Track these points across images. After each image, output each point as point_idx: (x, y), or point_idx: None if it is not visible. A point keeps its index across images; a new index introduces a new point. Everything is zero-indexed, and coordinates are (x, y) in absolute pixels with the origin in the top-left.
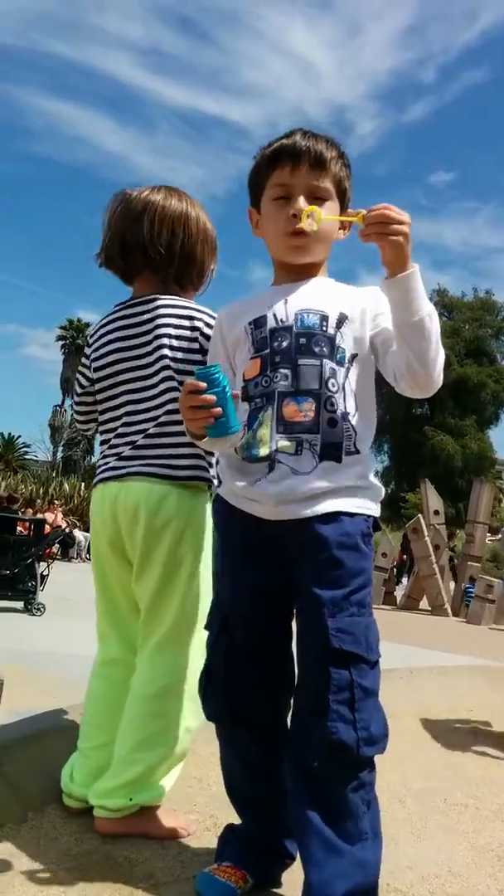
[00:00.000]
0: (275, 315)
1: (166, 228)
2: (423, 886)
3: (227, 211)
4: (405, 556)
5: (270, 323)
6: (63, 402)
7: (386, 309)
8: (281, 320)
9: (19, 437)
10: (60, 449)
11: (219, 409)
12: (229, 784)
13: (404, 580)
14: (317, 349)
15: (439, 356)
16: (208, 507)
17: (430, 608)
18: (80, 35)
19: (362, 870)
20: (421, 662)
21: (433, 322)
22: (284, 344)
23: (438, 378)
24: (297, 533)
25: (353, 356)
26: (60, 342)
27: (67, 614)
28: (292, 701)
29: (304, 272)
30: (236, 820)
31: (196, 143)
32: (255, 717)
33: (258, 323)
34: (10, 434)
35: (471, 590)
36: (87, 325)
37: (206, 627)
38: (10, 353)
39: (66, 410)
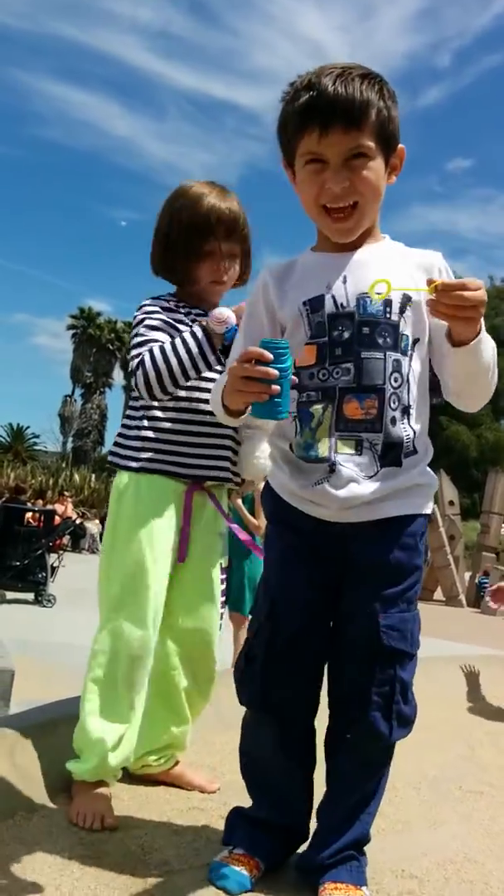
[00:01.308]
0: (334, 298)
1: None
2: (438, 873)
3: (239, 196)
4: None
5: (329, 307)
6: (73, 391)
7: None
8: (341, 305)
9: (28, 427)
10: (70, 439)
11: (277, 388)
12: (249, 769)
13: None
14: (380, 340)
15: (492, 390)
16: (120, 486)
17: (444, 599)
18: (89, 18)
19: (361, 826)
20: (436, 652)
21: (493, 371)
22: (346, 335)
23: (487, 399)
24: (356, 533)
25: (416, 341)
26: (71, 331)
27: (78, 605)
28: (329, 683)
29: (358, 238)
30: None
31: (206, 127)
32: (287, 704)
33: (314, 305)
34: (19, 424)
35: (485, 582)
36: (99, 314)
37: (252, 612)
38: (19, 343)
39: (75, 400)
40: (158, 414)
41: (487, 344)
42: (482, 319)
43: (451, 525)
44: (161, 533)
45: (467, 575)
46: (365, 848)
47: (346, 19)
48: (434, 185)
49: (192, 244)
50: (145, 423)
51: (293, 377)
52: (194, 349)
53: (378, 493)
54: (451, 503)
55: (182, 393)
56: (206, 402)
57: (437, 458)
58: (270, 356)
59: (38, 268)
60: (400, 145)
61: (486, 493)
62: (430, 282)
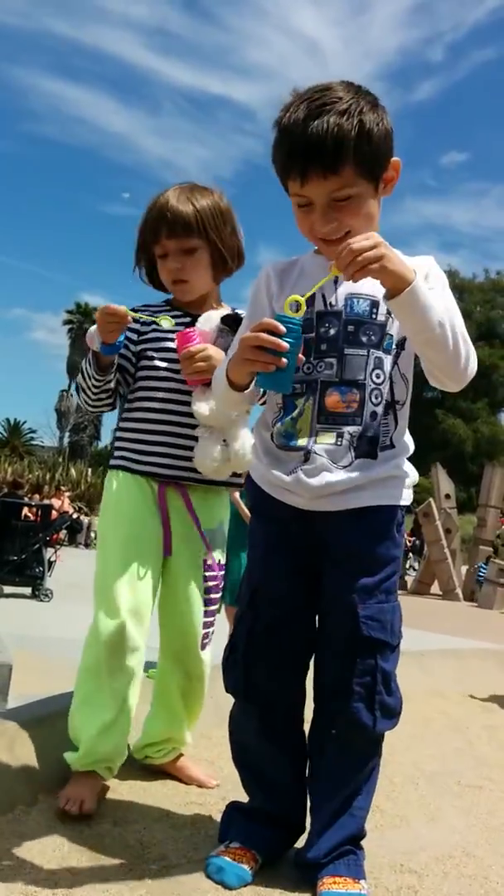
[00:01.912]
0: (324, 296)
1: None
2: (437, 867)
3: (234, 192)
4: (414, 539)
5: (318, 305)
6: (69, 386)
7: (434, 285)
8: (330, 304)
9: (25, 422)
10: (67, 434)
11: (285, 361)
12: (240, 758)
13: (415, 564)
14: (364, 338)
15: (461, 357)
16: (119, 481)
17: (441, 592)
18: (84, 15)
19: (355, 821)
20: (433, 646)
21: (447, 330)
22: (332, 332)
23: (466, 374)
24: (331, 522)
25: (402, 340)
26: (67, 326)
27: (75, 600)
28: (314, 675)
29: None
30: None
31: (201, 123)
32: (269, 692)
33: (306, 302)
34: (16, 419)
35: (484, 569)
36: (95, 309)
37: (237, 602)
38: (17, 338)
39: (72, 395)
40: (130, 415)
41: (429, 306)
42: (415, 277)
43: (448, 518)
44: (136, 527)
45: (464, 569)
46: (363, 842)
47: (340, 14)
48: (428, 179)
49: (145, 250)
50: (122, 423)
51: (300, 356)
52: (85, 373)
53: (352, 483)
54: (448, 496)
55: (149, 394)
56: (174, 402)
57: (433, 451)
58: (283, 329)
59: (35, 263)
60: (393, 158)
61: (483, 487)
62: (330, 266)
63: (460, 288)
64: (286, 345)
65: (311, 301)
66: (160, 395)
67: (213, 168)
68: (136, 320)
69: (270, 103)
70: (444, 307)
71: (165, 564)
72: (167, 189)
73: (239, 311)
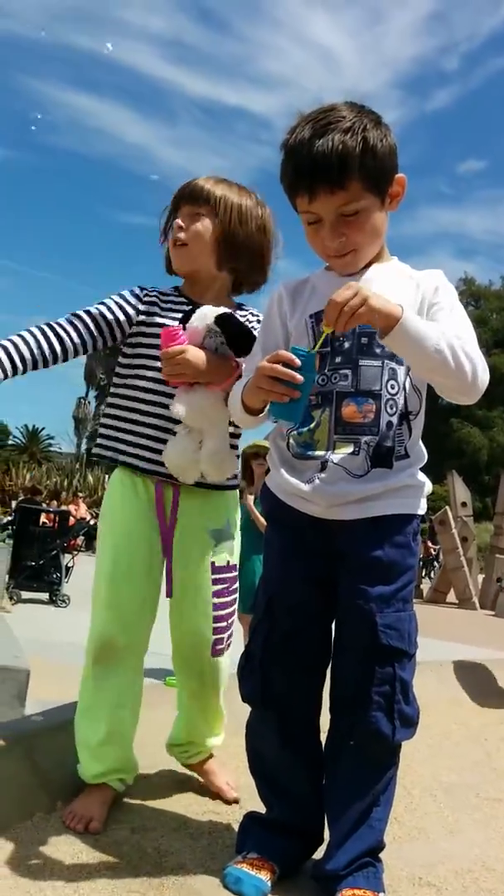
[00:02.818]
0: None
1: None
2: (456, 881)
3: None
4: (434, 549)
5: None
6: (87, 393)
7: (442, 299)
8: None
9: (43, 429)
10: (84, 441)
11: (298, 393)
12: (257, 767)
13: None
14: (378, 350)
15: (466, 375)
16: (115, 479)
17: (457, 601)
18: (102, 27)
19: (373, 833)
20: (450, 656)
21: (446, 355)
22: (346, 345)
23: (475, 389)
24: (348, 531)
25: None
26: None
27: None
28: (330, 684)
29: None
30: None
31: (217, 133)
32: (286, 700)
33: (319, 318)
34: (34, 426)
35: None
36: None
37: (252, 610)
38: None
39: (89, 402)
40: (118, 398)
41: (422, 336)
42: (402, 313)
43: (464, 527)
44: (127, 528)
45: (480, 577)
46: (381, 855)
47: (356, 24)
48: (443, 187)
49: (169, 219)
50: (109, 406)
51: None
52: None
53: (367, 492)
54: (464, 505)
55: (139, 384)
56: (165, 395)
57: (448, 460)
58: (299, 362)
59: (54, 272)
60: (398, 175)
61: (500, 495)
62: (322, 327)
63: (476, 295)
64: (301, 378)
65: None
66: (150, 385)
67: (229, 177)
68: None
69: (286, 112)
70: (439, 332)
71: (173, 566)
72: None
73: (239, 313)
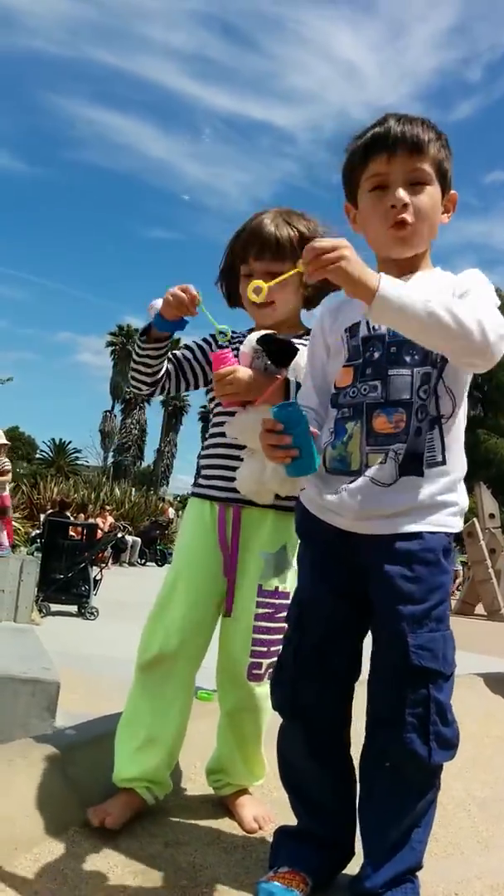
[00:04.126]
0: (367, 322)
1: None
2: None
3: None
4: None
5: (363, 331)
6: (113, 407)
7: (470, 286)
8: (374, 328)
9: (70, 442)
10: (111, 454)
11: (295, 451)
12: (287, 777)
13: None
14: (408, 358)
15: (472, 332)
16: (188, 505)
17: (485, 613)
18: (126, 44)
19: (414, 854)
20: (479, 668)
21: (439, 316)
22: (376, 355)
23: (489, 347)
24: (378, 546)
25: (444, 357)
26: (110, 348)
27: (120, 618)
28: (367, 701)
29: (408, 266)
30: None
31: (242, 148)
32: (313, 712)
33: (353, 331)
34: (61, 440)
35: None
36: (137, 330)
37: (286, 621)
38: (64, 360)
39: (115, 416)
40: (206, 441)
41: (407, 302)
42: (378, 284)
43: (492, 538)
44: (192, 552)
45: None
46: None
47: (379, 38)
48: (469, 198)
49: (232, 266)
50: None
51: (314, 430)
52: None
53: (398, 506)
54: (492, 516)
55: (215, 419)
56: (220, 425)
57: (475, 471)
58: (281, 425)
59: (81, 288)
60: (453, 191)
61: None
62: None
63: (501, 306)
64: (289, 439)
65: (356, 328)
66: (221, 419)
67: (253, 191)
68: (201, 312)
69: (309, 127)
70: (426, 298)
71: (233, 586)
72: (264, 211)
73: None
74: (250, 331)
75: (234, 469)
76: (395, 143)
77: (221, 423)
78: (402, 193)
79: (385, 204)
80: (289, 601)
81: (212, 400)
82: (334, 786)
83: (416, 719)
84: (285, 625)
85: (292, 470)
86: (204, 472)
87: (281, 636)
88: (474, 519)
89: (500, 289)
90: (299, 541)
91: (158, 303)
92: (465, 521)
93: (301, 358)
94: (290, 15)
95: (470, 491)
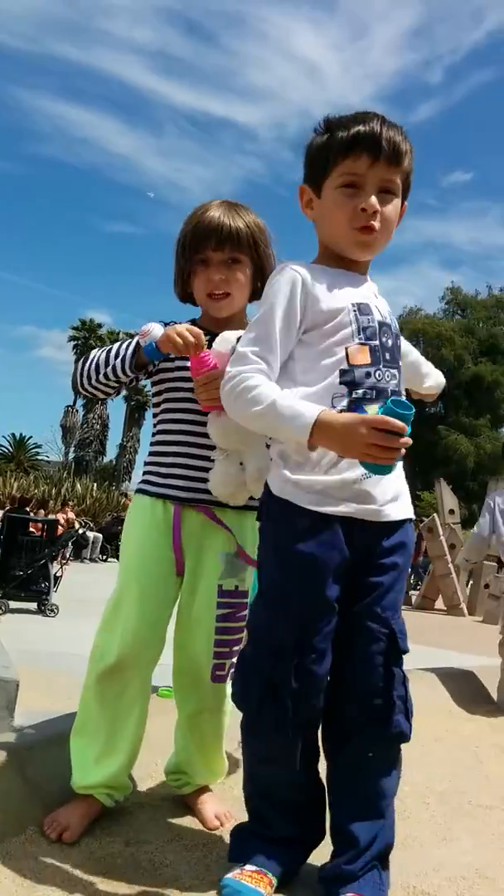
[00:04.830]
0: (378, 308)
1: None
2: (450, 889)
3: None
4: (423, 556)
5: (377, 315)
6: (75, 402)
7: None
8: (384, 315)
9: (31, 437)
10: (72, 450)
11: (403, 451)
12: (269, 796)
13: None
14: (399, 354)
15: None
16: (134, 503)
17: (445, 608)
18: (88, 38)
19: (390, 832)
20: (440, 663)
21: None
22: (390, 343)
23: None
24: (383, 538)
25: None
26: (72, 342)
27: (81, 615)
28: (344, 698)
29: (361, 265)
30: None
31: (204, 144)
32: (312, 724)
33: (363, 309)
34: (21, 434)
35: None
36: (100, 325)
37: (264, 637)
38: (26, 355)
39: (77, 411)
40: (154, 438)
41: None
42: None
43: (452, 534)
44: (146, 551)
45: (468, 584)
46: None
47: (340, 38)
48: (429, 199)
49: (186, 255)
50: (150, 447)
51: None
52: (112, 353)
53: (396, 491)
54: (452, 512)
55: (169, 416)
56: (193, 423)
57: (435, 467)
58: (407, 427)
59: (42, 282)
60: (405, 202)
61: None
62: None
63: (463, 304)
64: (410, 441)
65: (368, 308)
66: (180, 416)
67: (215, 187)
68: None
69: (272, 125)
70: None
71: (182, 587)
72: (208, 203)
73: None
74: (192, 322)
75: (196, 469)
76: (380, 149)
77: (175, 420)
78: (374, 200)
79: (355, 205)
80: (247, 599)
81: (158, 394)
82: (315, 786)
83: (401, 700)
84: (244, 623)
85: (380, 470)
86: (157, 469)
87: (241, 635)
88: (434, 515)
89: (459, 288)
90: (285, 546)
91: (155, 331)
92: (426, 517)
93: (222, 343)
94: (252, 12)
95: (430, 487)
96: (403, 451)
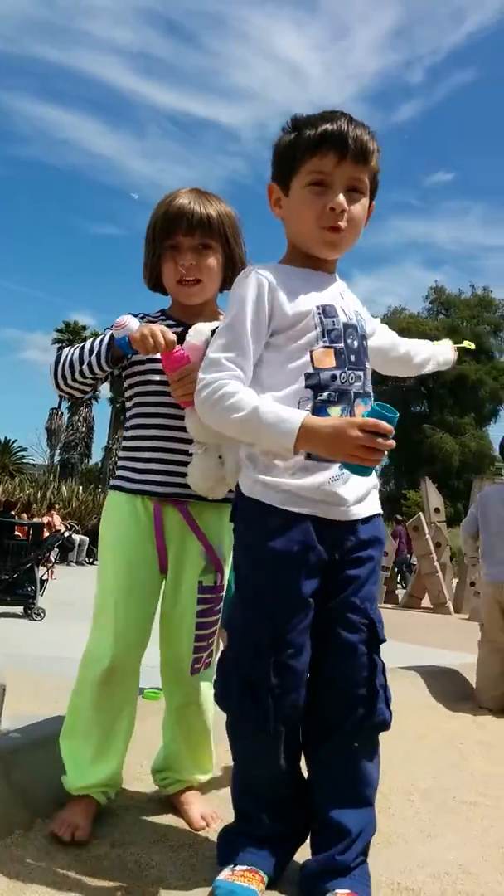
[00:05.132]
0: (343, 310)
1: None
2: (434, 885)
3: (229, 204)
4: (407, 555)
5: (342, 316)
6: (60, 404)
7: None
8: (349, 317)
9: (15, 440)
10: (57, 452)
11: (386, 453)
12: (255, 793)
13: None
14: (367, 354)
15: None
16: (111, 502)
17: (431, 606)
18: (69, 39)
19: (374, 822)
20: (426, 661)
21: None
22: (355, 344)
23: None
24: (353, 534)
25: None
26: (57, 345)
27: (67, 618)
28: (326, 692)
29: (329, 264)
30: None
31: (186, 145)
32: (293, 720)
33: (328, 311)
34: (6, 438)
35: None
36: (84, 327)
37: (242, 636)
38: (9, 357)
39: (62, 413)
40: (127, 433)
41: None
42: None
43: (438, 532)
44: (130, 550)
45: (454, 582)
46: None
47: (322, 39)
48: (412, 199)
49: (156, 242)
50: (122, 443)
51: None
52: (86, 349)
53: (366, 488)
54: (437, 510)
55: (143, 410)
56: (169, 417)
57: (421, 466)
58: (392, 429)
59: (26, 284)
60: (373, 202)
61: (472, 500)
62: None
63: (447, 303)
64: (393, 443)
65: (332, 310)
66: (153, 410)
67: (199, 187)
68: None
69: (254, 125)
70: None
71: (165, 584)
72: (177, 190)
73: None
74: (162, 312)
75: (174, 463)
76: (347, 147)
77: (149, 414)
78: (342, 199)
79: (323, 203)
80: (223, 594)
81: (130, 387)
82: (299, 782)
83: (382, 689)
84: (219, 617)
85: (362, 470)
86: (133, 464)
87: (215, 628)
88: (420, 514)
89: (443, 287)
90: (256, 545)
91: (131, 324)
92: (412, 516)
93: (196, 335)
94: (233, 13)
95: (416, 486)
96: (386, 452)
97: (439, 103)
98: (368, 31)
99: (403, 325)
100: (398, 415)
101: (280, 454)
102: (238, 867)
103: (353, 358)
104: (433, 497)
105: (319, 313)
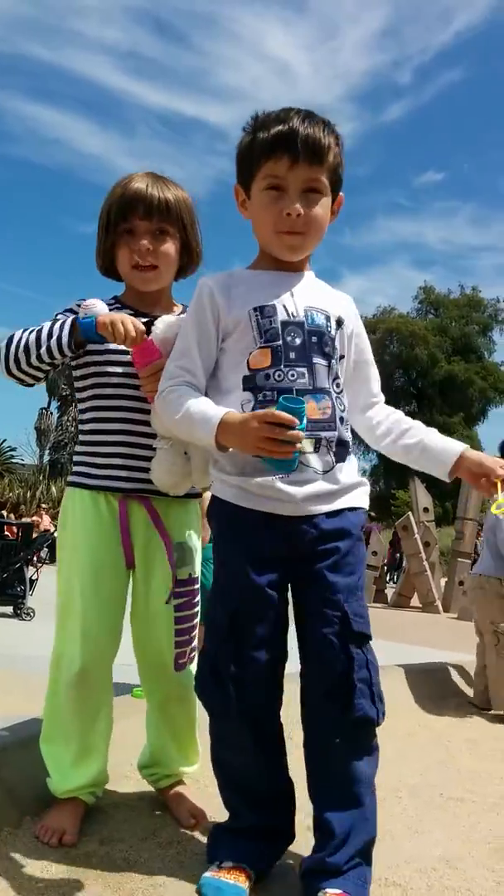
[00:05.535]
0: (285, 307)
1: None
2: (421, 880)
3: (209, 210)
4: (398, 554)
5: (281, 315)
6: (49, 404)
7: (361, 330)
8: (292, 314)
9: (5, 440)
10: (47, 452)
11: (300, 445)
12: (228, 778)
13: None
14: (326, 349)
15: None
16: (71, 499)
17: (420, 605)
18: (59, 39)
19: (369, 826)
20: (415, 659)
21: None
22: (298, 341)
23: None
24: (313, 527)
25: (341, 357)
26: None
27: None
28: (306, 684)
29: (296, 264)
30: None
31: (176, 144)
32: (261, 710)
33: (265, 312)
34: None
35: None
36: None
37: (210, 625)
38: None
39: (52, 413)
40: (85, 427)
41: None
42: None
43: (427, 531)
44: (94, 549)
45: (443, 581)
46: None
47: (311, 39)
48: (401, 200)
49: (111, 226)
50: (79, 437)
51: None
52: (45, 332)
53: (333, 488)
54: (426, 510)
55: (102, 403)
56: (131, 410)
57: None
58: (297, 420)
59: (13, 283)
60: (341, 193)
61: (461, 500)
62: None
63: (436, 303)
64: (303, 435)
65: (269, 310)
66: (114, 403)
67: (188, 187)
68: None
69: (243, 124)
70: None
71: (133, 581)
72: (133, 174)
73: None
74: (115, 299)
75: (137, 458)
76: (298, 149)
77: (110, 408)
78: (297, 205)
79: (279, 209)
80: (198, 585)
81: (84, 377)
82: (277, 775)
83: (363, 683)
84: (198, 609)
85: (279, 466)
86: (93, 460)
87: (196, 621)
88: (409, 513)
89: (432, 287)
90: (217, 536)
91: (97, 307)
92: (401, 516)
93: (167, 328)
94: (222, 12)
95: (405, 486)
96: (299, 445)
97: (428, 103)
98: (357, 30)
99: (393, 324)
100: (304, 404)
101: (215, 451)
102: (225, 864)
103: (292, 355)
104: (422, 497)
105: (256, 315)
